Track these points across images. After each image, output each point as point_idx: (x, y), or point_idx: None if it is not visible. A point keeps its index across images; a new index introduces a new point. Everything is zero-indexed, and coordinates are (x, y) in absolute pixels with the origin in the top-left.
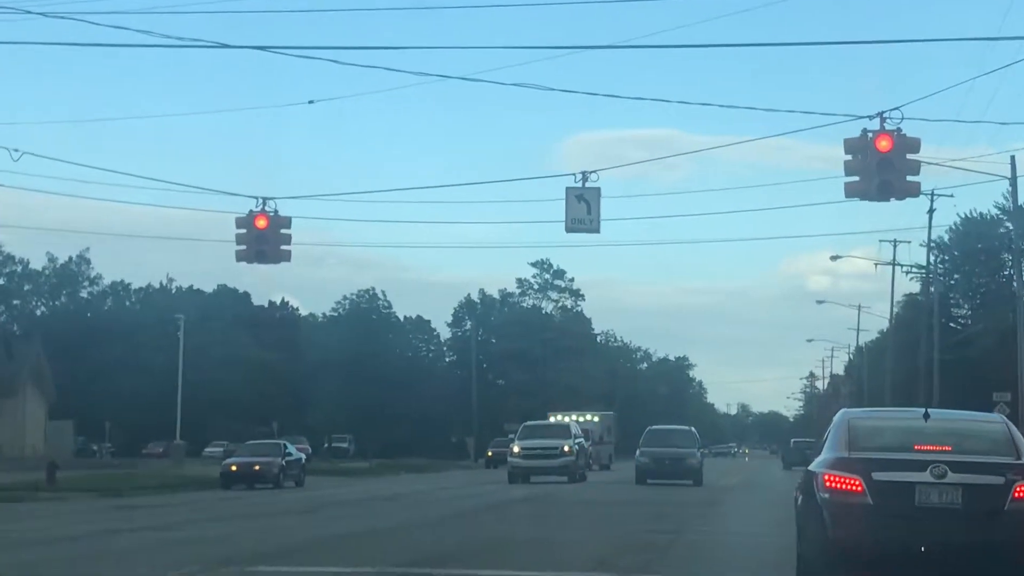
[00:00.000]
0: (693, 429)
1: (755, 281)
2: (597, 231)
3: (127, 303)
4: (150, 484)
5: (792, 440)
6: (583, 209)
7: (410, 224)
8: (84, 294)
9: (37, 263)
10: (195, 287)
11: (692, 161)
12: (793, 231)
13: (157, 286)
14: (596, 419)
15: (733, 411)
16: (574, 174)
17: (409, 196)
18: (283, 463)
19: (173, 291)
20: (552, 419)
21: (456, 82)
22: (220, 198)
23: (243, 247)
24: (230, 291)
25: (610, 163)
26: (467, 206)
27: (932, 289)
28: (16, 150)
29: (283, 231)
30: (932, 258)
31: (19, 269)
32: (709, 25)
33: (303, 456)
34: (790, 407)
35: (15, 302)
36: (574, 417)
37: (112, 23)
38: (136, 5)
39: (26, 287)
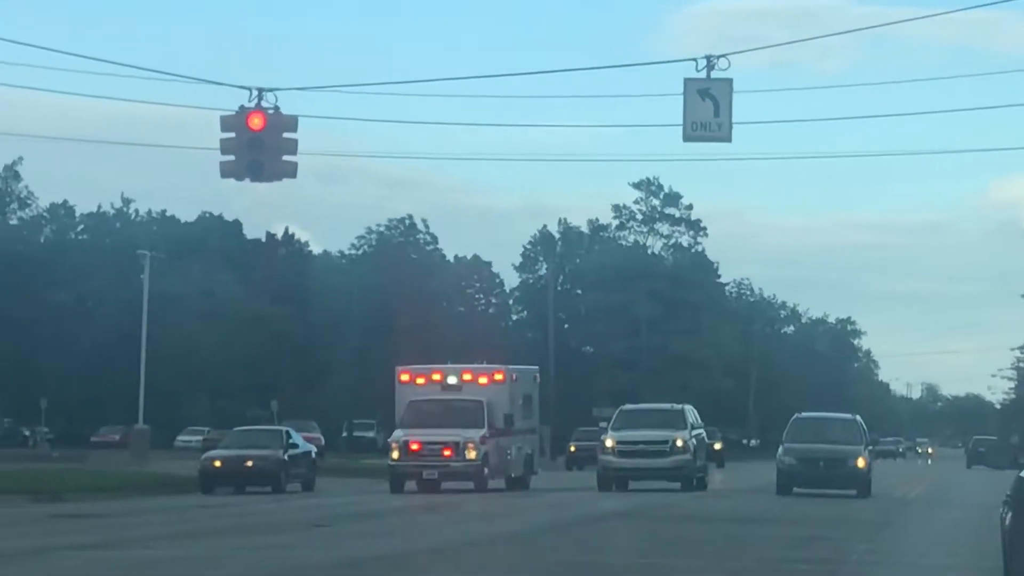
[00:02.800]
0: (858, 418)
1: (949, 213)
2: (727, 140)
3: (71, 234)
4: (101, 484)
5: (973, 437)
6: (708, 109)
7: (462, 128)
8: (13, 220)
9: None
10: (166, 212)
11: (858, 42)
12: (1005, 141)
13: (112, 210)
14: (498, 379)
15: (915, 394)
16: (695, 60)
17: (462, 88)
18: (285, 458)
19: (135, 217)
20: (404, 376)
21: None
22: (199, 89)
23: (231, 157)
24: (214, 219)
25: (743, 45)
26: (543, 103)
27: None
28: None
29: (286, 135)
30: None
31: None
32: None
33: (313, 448)
34: (996, 389)
35: None
36: (448, 378)
37: None
38: None
39: None
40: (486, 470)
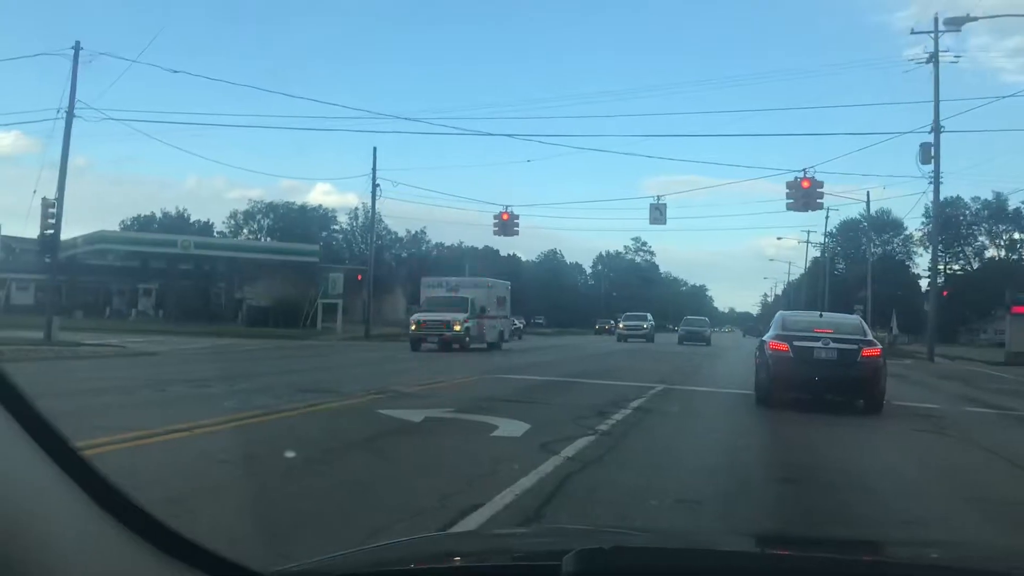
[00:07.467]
0: (707, 319)
1: None
2: None
3: None
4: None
5: (747, 325)
6: None
7: None
8: None
9: None
10: None
11: None
12: None
13: None
14: (480, 287)
15: (725, 310)
16: None
17: None
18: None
19: None
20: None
21: None
22: None
23: None
24: None
25: None
26: None
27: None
28: None
29: None
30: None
31: None
32: None
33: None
34: (754, 307)
35: None
36: (451, 287)
37: None
38: None
39: None
40: (467, 338)
